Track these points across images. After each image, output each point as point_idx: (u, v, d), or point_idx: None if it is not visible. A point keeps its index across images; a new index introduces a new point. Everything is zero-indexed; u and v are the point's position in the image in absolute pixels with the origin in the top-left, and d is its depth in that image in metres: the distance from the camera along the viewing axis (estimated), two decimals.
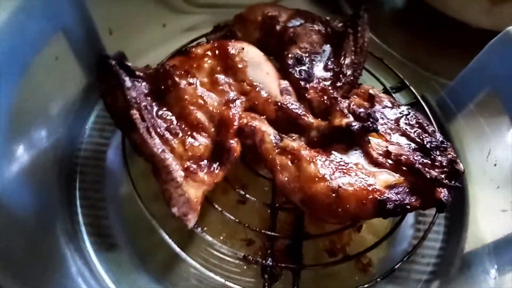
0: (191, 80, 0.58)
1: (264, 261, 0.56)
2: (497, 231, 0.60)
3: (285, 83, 0.63)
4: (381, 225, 0.67)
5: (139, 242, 0.64)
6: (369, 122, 0.56)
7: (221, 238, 0.63)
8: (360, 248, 0.59)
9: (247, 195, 0.60)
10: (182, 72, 0.58)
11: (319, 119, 0.60)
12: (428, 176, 0.52)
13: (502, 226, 0.60)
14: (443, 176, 0.53)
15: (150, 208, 0.57)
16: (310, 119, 0.60)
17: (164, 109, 0.57)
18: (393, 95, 0.72)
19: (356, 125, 0.56)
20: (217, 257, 0.61)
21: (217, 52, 0.61)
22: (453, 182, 0.53)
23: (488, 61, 0.66)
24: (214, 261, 0.61)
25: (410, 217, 0.68)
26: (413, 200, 0.52)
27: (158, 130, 0.55)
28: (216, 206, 0.58)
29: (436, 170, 0.54)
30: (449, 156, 0.55)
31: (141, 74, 0.58)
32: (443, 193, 0.52)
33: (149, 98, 0.57)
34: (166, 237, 0.56)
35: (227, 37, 0.67)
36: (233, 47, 0.61)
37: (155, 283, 0.61)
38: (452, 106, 0.73)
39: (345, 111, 0.58)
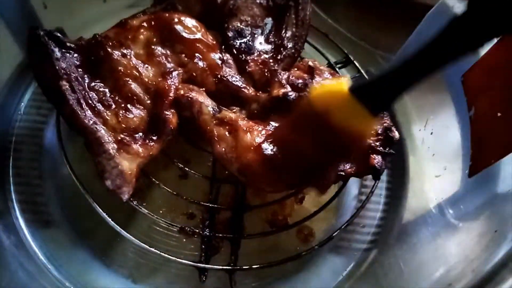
0: (125, 51, 0.56)
1: (202, 232, 0.56)
2: (433, 196, 0.61)
3: (226, 56, 0.62)
4: (325, 197, 0.68)
5: (78, 219, 0.62)
6: (305, 92, 0.56)
7: (161, 212, 0.62)
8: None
9: (187, 169, 0.59)
10: (115, 43, 0.57)
11: (260, 92, 0.60)
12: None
13: (437, 191, 0.61)
14: (377, 143, 0.54)
15: (89, 186, 0.56)
16: (250, 91, 0.59)
17: (97, 81, 0.55)
18: (338, 70, 0.72)
19: (292, 94, 0.56)
20: (157, 231, 0.60)
21: (153, 23, 0.60)
22: (387, 149, 0.54)
23: (426, 32, 0.67)
24: (154, 236, 0.60)
25: (353, 189, 0.69)
26: (348, 167, 0.53)
27: (90, 102, 0.53)
28: (154, 179, 0.57)
29: (371, 138, 0.55)
30: (384, 124, 0.56)
31: (72, 45, 0.56)
32: (377, 160, 0.53)
33: (80, 70, 0.55)
34: (103, 213, 0.55)
35: (167, 10, 0.66)
36: (170, 18, 0.60)
37: (93, 260, 0.59)
38: None
39: (284, 82, 0.58)
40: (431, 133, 0.65)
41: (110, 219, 0.55)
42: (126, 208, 0.55)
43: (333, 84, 0.46)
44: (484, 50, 0.54)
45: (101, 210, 0.55)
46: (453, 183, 0.57)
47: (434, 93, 0.66)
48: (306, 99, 0.50)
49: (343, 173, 0.52)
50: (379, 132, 0.55)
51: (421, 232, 0.60)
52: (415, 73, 0.43)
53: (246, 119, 0.56)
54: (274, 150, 0.51)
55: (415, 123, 0.70)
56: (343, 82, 0.45)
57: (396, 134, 0.55)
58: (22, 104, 0.68)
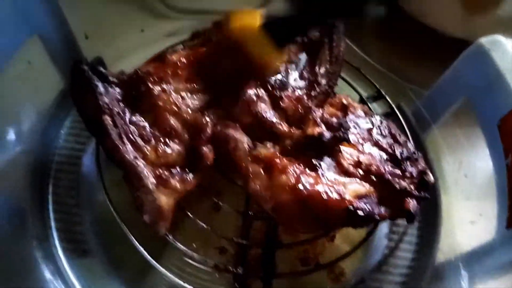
0: (165, 87, 0.58)
1: (235, 270, 0.56)
2: (468, 242, 0.61)
3: (260, 91, 0.63)
4: (356, 234, 0.67)
5: (112, 248, 0.63)
6: (340, 132, 0.56)
7: (194, 246, 0.62)
8: (334, 257, 0.59)
9: (221, 203, 0.60)
10: (156, 79, 0.58)
11: (293, 128, 0.60)
12: (398, 187, 0.53)
13: (471, 238, 0.60)
14: (412, 187, 0.54)
15: (124, 214, 0.57)
16: (284, 127, 0.60)
17: (138, 115, 0.57)
18: (370, 104, 0.73)
19: (327, 134, 0.56)
20: (189, 265, 0.61)
21: (192, 58, 0.61)
22: (422, 193, 0.54)
23: (461, 71, 0.67)
24: (186, 269, 0.61)
25: (384, 228, 0.68)
26: (382, 210, 0.53)
27: (130, 136, 0.55)
28: (189, 213, 0.58)
29: (406, 180, 0.54)
30: (419, 167, 0.56)
31: (115, 79, 0.58)
32: (412, 204, 0.53)
33: (122, 104, 0.57)
34: (138, 245, 0.56)
35: (205, 44, 0.67)
36: (208, 53, 0.62)
37: None
38: (427, 116, 0.74)
39: (318, 120, 0.59)
40: (465, 176, 0.65)
41: (143, 250, 0.56)
42: (159, 237, 0.56)
43: (248, 15, 0.57)
44: None
45: (135, 240, 0.56)
46: (489, 232, 0.57)
47: (467, 135, 0.66)
48: (225, 25, 0.59)
49: (378, 217, 0.52)
50: (414, 174, 0.55)
51: (454, 278, 0.59)
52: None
53: (281, 156, 0.56)
54: (309, 191, 0.51)
55: (448, 163, 0.69)
56: (256, 14, 0.56)
57: (431, 178, 0.55)
58: (62, 131, 0.70)
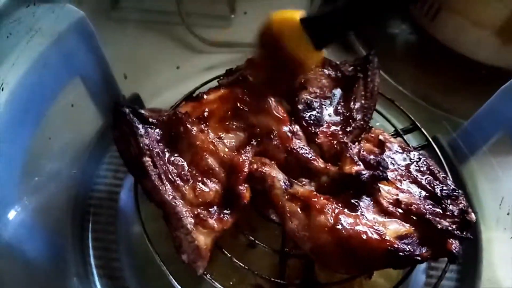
0: (202, 127, 0.59)
1: None
2: (510, 281, 0.59)
3: (295, 128, 0.63)
4: (393, 269, 0.66)
5: (149, 284, 0.64)
6: (378, 171, 0.55)
7: (230, 283, 0.63)
8: None
9: (257, 241, 0.60)
10: (194, 119, 0.59)
11: (330, 164, 0.60)
12: (439, 227, 0.52)
13: None
14: (454, 226, 0.53)
15: (160, 249, 0.58)
16: (320, 164, 0.60)
17: (176, 155, 0.58)
18: (405, 136, 0.72)
19: (366, 173, 0.55)
20: None
21: (228, 97, 0.63)
22: (464, 233, 0.52)
23: (501, 104, 0.66)
24: None
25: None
26: (424, 251, 0.52)
27: (170, 176, 0.55)
28: (226, 252, 0.58)
29: (447, 220, 0.53)
30: (460, 205, 0.55)
31: (154, 121, 0.59)
32: (454, 245, 0.51)
33: (161, 145, 0.58)
34: (175, 282, 0.56)
35: (239, 82, 0.68)
36: (244, 92, 0.63)
37: None
38: (464, 148, 0.73)
39: (355, 158, 0.58)
40: (508, 214, 0.63)
41: (179, 286, 0.56)
42: (193, 271, 0.56)
43: (289, 12, 0.56)
44: None
45: (171, 277, 0.56)
46: None
47: (506, 169, 0.65)
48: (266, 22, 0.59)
49: (419, 258, 0.51)
50: (455, 213, 0.54)
51: None
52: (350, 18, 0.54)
53: (318, 195, 0.56)
54: (348, 233, 0.51)
55: (486, 196, 0.68)
56: (298, 12, 0.55)
57: (474, 217, 0.54)
58: (100, 168, 0.72)
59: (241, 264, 0.57)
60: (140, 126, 0.57)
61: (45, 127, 0.59)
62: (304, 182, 0.59)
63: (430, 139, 0.71)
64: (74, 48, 0.61)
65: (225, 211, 0.56)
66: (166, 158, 0.57)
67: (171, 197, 0.54)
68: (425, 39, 0.91)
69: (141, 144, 0.56)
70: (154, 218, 0.63)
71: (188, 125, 0.58)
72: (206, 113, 0.61)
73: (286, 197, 0.56)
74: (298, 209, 0.55)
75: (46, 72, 0.57)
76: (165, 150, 0.58)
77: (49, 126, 0.60)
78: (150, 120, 0.59)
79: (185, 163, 0.57)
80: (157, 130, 0.59)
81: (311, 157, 0.61)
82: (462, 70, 0.87)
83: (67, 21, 0.60)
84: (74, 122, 0.66)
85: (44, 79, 0.57)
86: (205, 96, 0.62)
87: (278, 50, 0.58)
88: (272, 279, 0.57)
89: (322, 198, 0.55)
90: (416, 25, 0.93)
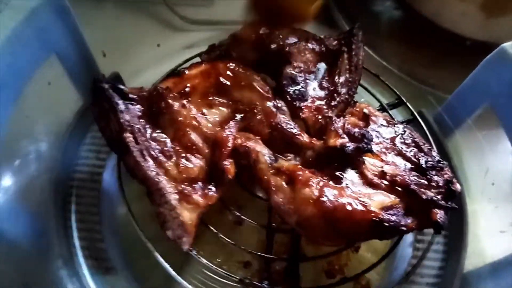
0: (184, 102, 0.58)
1: (260, 284, 0.56)
2: (497, 252, 0.59)
3: (280, 103, 0.62)
4: (380, 243, 0.66)
5: (135, 264, 0.64)
6: (363, 143, 0.55)
7: (218, 260, 0.62)
8: (359, 268, 0.58)
9: (243, 217, 0.60)
10: (176, 94, 0.58)
11: (315, 139, 0.60)
12: (424, 197, 0.52)
13: (501, 247, 0.59)
14: (439, 197, 0.53)
15: (145, 229, 0.57)
16: (305, 138, 0.59)
17: (158, 131, 0.57)
18: (390, 111, 0.72)
19: (350, 145, 0.55)
20: (213, 279, 0.60)
21: (210, 72, 0.61)
22: (449, 203, 0.52)
23: (484, 77, 0.66)
24: (210, 284, 0.60)
25: (409, 236, 0.67)
26: (409, 221, 0.51)
27: (152, 152, 0.54)
28: (212, 228, 0.58)
29: (432, 190, 0.53)
30: (445, 176, 0.55)
31: (135, 96, 0.58)
32: (439, 214, 0.51)
33: (142, 121, 0.57)
34: (161, 259, 0.56)
35: (222, 57, 0.67)
36: (226, 67, 0.62)
37: None
38: (449, 122, 0.73)
39: (340, 131, 0.57)
40: (493, 184, 0.63)
41: (167, 264, 0.56)
42: (180, 250, 0.55)
43: None
44: None
45: (158, 255, 0.56)
46: None
47: (489, 139, 0.65)
48: None
49: (405, 228, 0.51)
50: (440, 184, 0.54)
51: (485, 285, 0.58)
52: None
53: (303, 168, 0.55)
54: (333, 204, 0.50)
55: (472, 170, 0.68)
56: None
57: (458, 187, 0.54)
58: (82, 149, 0.70)
59: (228, 240, 0.57)
60: (120, 102, 0.56)
61: (23, 106, 0.57)
62: (289, 157, 0.59)
63: (416, 114, 0.71)
64: (48, 24, 0.59)
65: (210, 187, 0.55)
66: (148, 134, 0.56)
67: (154, 173, 0.53)
68: (409, 15, 0.90)
69: (122, 120, 0.54)
70: (139, 198, 0.62)
71: (170, 100, 0.57)
72: (188, 89, 0.60)
73: (271, 171, 0.56)
74: (283, 183, 0.54)
75: (20, 49, 0.55)
76: (147, 126, 0.56)
77: (26, 105, 0.58)
78: (131, 96, 0.57)
79: (167, 139, 0.56)
80: (138, 106, 0.57)
81: (295, 132, 0.60)
82: (447, 44, 0.87)
83: None
84: (53, 102, 0.64)
85: (18, 55, 0.55)
86: (186, 72, 0.61)
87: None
88: (259, 253, 0.57)
89: (307, 172, 0.54)
90: (400, 0, 0.92)
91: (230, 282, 0.59)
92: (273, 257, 0.58)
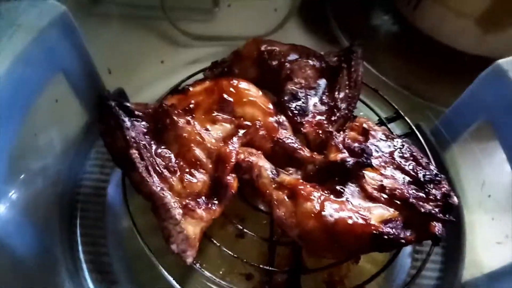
0: (189, 118, 0.59)
1: None
2: (493, 263, 0.60)
3: (281, 118, 0.64)
4: (380, 254, 0.67)
5: (139, 277, 0.64)
6: (363, 158, 0.57)
7: (220, 272, 0.63)
8: (359, 279, 0.59)
9: (245, 230, 0.61)
10: (180, 111, 0.60)
11: (316, 153, 0.61)
12: (422, 210, 0.53)
13: (498, 259, 0.60)
14: (437, 210, 0.54)
15: (149, 242, 0.58)
16: (306, 153, 0.61)
17: (163, 147, 0.58)
18: (389, 125, 0.73)
19: (350, 160, 0.56)
20: None
21: (213, 89, 0.63)
22: (447, 215, 0.54)
23: (480, 92, 0.67)
24: None
25: (408, 247, 0.68)
26: (408, 234, 0.53)
27: (157, 168, 0.56)
28: (215, 241, 0.59)
29: (430, 203, 0.55)
30: (443, 189, 0.56)
31: (140, 113, 0.59)
32: (437, 227, 0.53)
33: (148, 137, 0.58)
34: (165, 272, 0.57)
35: (225, 74, 0.69)
36: (230, 84, 0.63)
37: None
38: (446, 135, 0.74)
39: (340, 146, 0.59)
40: (489, 196, 0.65)
41: (171, 278, 0.57)
42: (183, 263, 0.56)
43: None
44: None
45: (162, 268, 0.57)
46: None
47: (486, 152, 0.66)
48: None
49: (404, 241, 0.52)
50: (438, 197, 0.55)
51: None
52: None
53: (304, 183, 0.57)
54: (335, 218, 0.52)
55: (469, 182, 0.69)
56: None
57: (456, 200, 0.55)
58: (87, 164, 0.72)
59: (230, 253, 0.58)
60: (126, 119, 0.57)
61: (30, 123, 0.59)
62: (290, 171, 0.60)
63: (414, 127, 0.73)
64: (56, 43, 0.61)
65: (213, 201, 0.56)
66: (153, 150, 0.57)
67: (159, 188, 0.54)
68: (407, 29, 0.92)
69: (128, 137, 0.56)
70: (143, 212, 0.63)
71: (174, 117, 0.58)
72: (192, 105, 0.62)
73: (273, 185, 0.57)
74: (285, 197, 0.56)
75: (28, 68, 0.57)
76: (152, 142, 0.58)
77: (34, 122, 0.59)
78: (136, 112, 0.59)
79: (172, 155, 0.58)
80: (143, 122, 0.59)
81: (297, 146, 0.61)
82: (444, 59, 0.88)
83: (49, 16, 0.59)
84: (59, 118, 0.65)
85: (27, 74, 0.56)
86: (190, 88, 0.63)
87: None
88: (261, 266, 0.58)
89: (308, 186, 0.56)
90: (398, 15, 0.94)
91: None
92: (275, 270, 0.59)
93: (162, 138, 0.59)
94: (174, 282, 0.57)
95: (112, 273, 0.64)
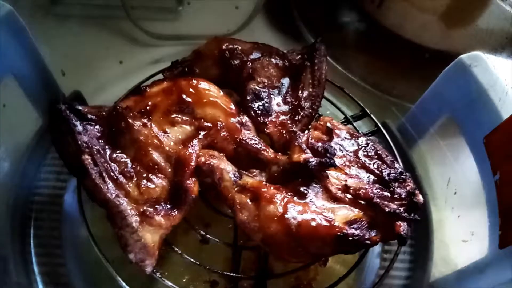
0: (145, 121, 0.57)
1: None
2: (461, 260, 0.60)
3: (244, 118, 0.62)
4: (349, 255, 0.67)
5: None
6: (326, 158, 0.55)
7: (184, 280, 0.61)
8: (328, 281, 0.58)
9: (208, 236, 0.59)
10: (136, 113, 0.57)
11: (280, 154, 0.60)
12: (387, 210, 0.52)
13: (464, 256, 0.60)
14: (402, 209, 0.53)
15: (108, 251, 0.55)
16: (270, 154, 0.59)
17: (118, 151, 0.55)
18: (355, 123, 0.72)
19: (313, 161, 0.55)
20: None
21: (172, 90, 0.60)
22: (412, 215, 0.53)
23: (444, 88, 0.67)
24: None
25: (376, 247, 0.66)
26: (373, 234, 0.52)
27: (112, 174, 0.53)
28: (176, 249, 0.56)
29: (395, 203, 0.54)
30: (408, 187, 0.55)
31: (93, 117, 0.57)
32: (403, 227, 0.52)
33: (102, 141, 0.55)
34: (124, 284, 0.54)
35: (185, 73, 0.66)
36: (189, 84, 0.61)
37: None
38: (412, 132, 0.74)
39: (303, 146, 0.57)
40: (455, 193, 0.64)
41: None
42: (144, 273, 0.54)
43: None
44: (507, 113, 0.54)
45: (120, 280, 0.54)
46: (482, 252, 0.56)
47: (453, 148, 0.66)
48: None
49: (369, 242, 0.51)
50: (403, 196, 0.55)
51: None
52: None
53: (267, 185, 0.55)
54: (298, 221, 0.50)
55: (436, 180, 0.69)
56: None
57: (421, 199, 0.54)
58: (41, 171, 0.69)
59: (192, 260, 0.56)
60: (77, 123, 0.54)
61: None
62: (254, 173, 0.58)
63: (380, 125, 0.72)
64: (2, 44, 0.57)
65: (172, 207, 0.54)
66: (107, 155, 0.55)
67: (114, 195, 0.52)
68: (372, 26, 0.92)
69: (79, 142, 0.53)
70: (101, 219, 0.60)
71: (130, 120, 0.56)
72: (149, 107, 0.59)
73: (236, 189, 0.55)
74: (248, 200, 0.54)
75: None
76: (106, 147, 0.55)
77: None
78: (89, 116, 0.56)
79: (128, 160, 0.55)
80: (97, 126, 0.56)
81: (260, 147, 0.60)
82: (409, 55, 0.88)
83: None
84: (9, 124, 0.62)
85: None
86: (148, 89, 0.60)
87: None
88: (225, 273, 0.56)
89: (272, 188, 0.54)
90: (363, 12, 0.94)
91: None
92: (240, 276, 0.57)
93: (117, 143, 0.56)
94: None
95: (69, 285, 0.61)
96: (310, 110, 0.64)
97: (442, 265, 0.64)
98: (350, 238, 0.50)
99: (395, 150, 0.67)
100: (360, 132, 0.68)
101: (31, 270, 0.61)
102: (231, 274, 0.57)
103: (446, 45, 0.86)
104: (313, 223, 0.50)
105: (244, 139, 0.60)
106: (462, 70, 0.62)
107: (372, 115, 0.72)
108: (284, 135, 0.62)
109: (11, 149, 0.64)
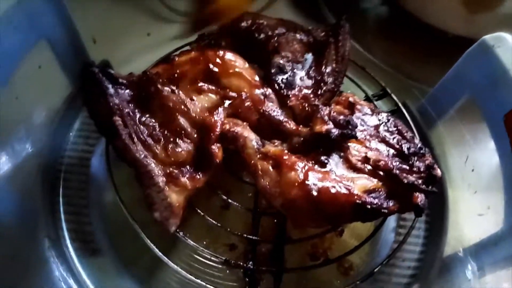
0: (173, 87, 0.59)
1: (245, 265, 0.57)
2: (475, 234, 0.61)
3: (268, 91, 0.64)
4: (364, 229, 0.68)
5: (123, 247, 0.64)
6: (347, 129, 0.57)
7: (204, 243, 0.63)
8: (342, 251, 0.60)
9: (230, 200, 0.61)
10: (165, 80, 0.59)
11: (301, 126, 0.61)
12: (405, 181, 0.53)
13: (479, 230, 0.61)
14: (420, 181, 0.54)
15: (134, 214, 0.58)
16: (292, 125, 0.61)
17: (147, 115, 0.58)
18: (375, 102, 0.73)
19: (335, 131, 0.57)
20: (200, 261, 0.62)
21: (199, 59, 0.62)
22: (430, 187, 0.54)
23: (466, 69, 0.68)
24: (197, 266, 0.62)
25: (391, 222, 0.69)
26: (391, 204, 0.53)
27: (141, 136, 0.55)
28: (199, 211, 0.59)
29: (414, 175, 0.55)
30: (426, 161, 0.57)
31: (124, 81, 0.59)
32: (420, 198, 0.53)
33: (132, 105, 0.58)
34: (149, 242, 0.57)
35: (211, 46, 0.68)
36: (215, 55, 0.63)
37: None
38: (432, 113, 0.74)
39: (326, 118, 0.59)
40: (472, 170, 0.65)
41: (154, 247, 0.56)
42: (170, 235, 0.56)
43: None
44: None
45: (146, 237, 0.57)
46: (497, 224, 0.57)
47: (471, 130, 0.67)
48: None
49: (386, 211, 0.53)
50: (421, 169, 0.56)
51: (462, 269, 0.60)
52: None
53: (289, 153, 0.57)
54: (318, 187, 0.52)
55: (454, 158, 0.70)
56: None
57: (439, 172, 0.56)
58: (71, 134, 0.71)
59: (214, 222, 0.58)
60: (110, 86, 0.57)
61: (12, 89, 0.58)
62: (276, 143, 0.60)
63: (400, 104, 0.73)
64: (39, 10, 0.59)
65: (197, 170, 0.56)
66: (136, 118, 0.57)
67: (142, 155, 0.54)
68: (395, 10, 0.92)
69: (111, 104, 0.55)
70: (127, 183, 0.62)
71: (159, 86, 0.58)
72: (177, 75, 0.61)
73: (258, 156, 0.57)
74: (270, 167, 0.56)
75: (10, 32, 0.55)
76: (136, 110, 0.57)
77: (16, 87, 0.58)
78: (120, 80, 0.58)
79: (156, 124, 0.57)
80: (128, 90, 0.58)
81: (283, 119, 0.61)
82: (432, 40, 0.89)
83: None
84: (43, 86, 0.64)
85: (8, 38, 0.55)
86: (176, 58, 0.62)
87: None
88: (245, 235, 0.58)
89: (293, 157, 0.56)
90: None
91: (216, 264, 0.60)
92: (259, 239, 0.59)
93: (146, 107, 0.58)
94: (157, 251, 0.56)
95: (94, 241, 0.63)
96: (333, 85, 0.66)
97: (455, 241, 0.65)
98: (368, 206, 0.51)
99: (414, 129, 0.68)
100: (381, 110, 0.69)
101: (60, 226, 0.64)
102: (250, 236, 0.59)
103: (469, 31, 0.86)
104: (333, 190, 0.52)
105: (267, 110, 0.62)
106: (485, 51, 0.63)
107: (392, 95, 0.73)
108: (306, 108, 0.63)
109: (44, 111, 0.67)
